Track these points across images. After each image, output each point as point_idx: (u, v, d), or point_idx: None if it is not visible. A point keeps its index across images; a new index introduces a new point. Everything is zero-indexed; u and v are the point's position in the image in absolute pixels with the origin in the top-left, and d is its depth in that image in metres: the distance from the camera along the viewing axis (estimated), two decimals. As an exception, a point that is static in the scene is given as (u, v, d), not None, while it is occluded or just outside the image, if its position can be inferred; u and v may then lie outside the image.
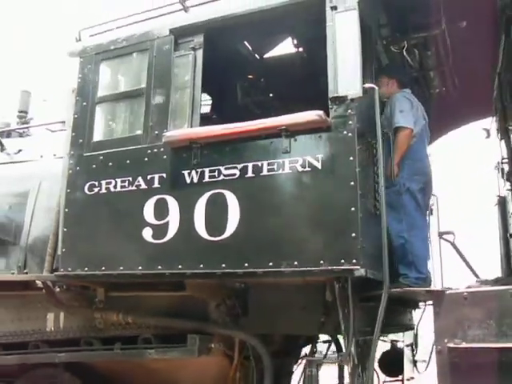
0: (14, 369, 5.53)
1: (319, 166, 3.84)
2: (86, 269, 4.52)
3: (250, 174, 4.06)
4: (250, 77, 6.00)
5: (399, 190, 4.50)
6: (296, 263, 3.77)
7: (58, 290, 5.08)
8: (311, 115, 3.87)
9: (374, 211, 4.12)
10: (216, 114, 6.45)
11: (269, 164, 4.00)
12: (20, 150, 6.39)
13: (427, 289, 4.11)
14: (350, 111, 3.85)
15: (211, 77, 5.81)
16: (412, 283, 4.33)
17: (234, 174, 4.11)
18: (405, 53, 5.08)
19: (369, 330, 3.99)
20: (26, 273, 5.42)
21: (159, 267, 4.22)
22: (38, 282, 5.13)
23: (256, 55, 6.18)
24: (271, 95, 6.20)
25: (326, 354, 5.42)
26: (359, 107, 4.00)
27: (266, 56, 6.26)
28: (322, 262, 3.70)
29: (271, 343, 4.89)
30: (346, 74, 3.91)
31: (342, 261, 3.64)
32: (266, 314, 4.52)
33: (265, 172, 4.01)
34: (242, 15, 4.41)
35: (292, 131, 3.95)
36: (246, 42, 5.98)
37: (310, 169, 3.87)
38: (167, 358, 4.62)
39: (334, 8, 4.04)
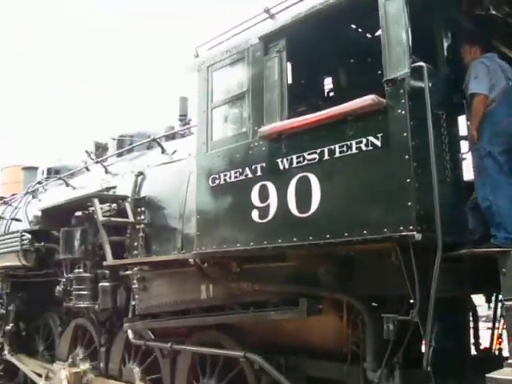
0: (184, 331, 6.86)
1: (379, 144, 4.24)
2: (214, 247, 5.48)
3: (326, 157, 4.59)
4: (352, 61, 6.36)
5: (480, 154, 4.64)
6: (365, 232, 4.25)
7: (205, 265, 6.19)
8: (367, 100, 4.27)
9: (445, 178, 4.38)
10: (338, 95, 6.94)
11: (340, 147, 4.48)
12: (175, 151, 7.67)
13: (491, 250, 4.24)
14: (401, 91, 4.18)
15: (329, 61, 6.39)
16: (500, 243, 4.45)
17: (315, 159, 4.67)
18: (494, 11, 5.04)
19: (448, 289, 4.31)
20: (183, 253, 6.68)
21: (264, 242, 4.99)
22: (190, 259, 6.28)
23: (368, 35, 6.52)
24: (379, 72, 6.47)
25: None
26: (437, 82, 4.28)
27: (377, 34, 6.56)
28: (385, 230, 4.13)
29: (384, 305, 5.35)
30: (396, 56, 4.26)
31: (401, 228, 4.03)
32: (368, 277, 4.98)
33: (337, 154, 4.51)
34: (310, 15, 4.93)
35: (355, 116, 4.39)
36: (353, 25, 6.36)
37: (372, 148, 4.29)
38: (284, 318, 5.43)
39: (384, -5, 4.36)
